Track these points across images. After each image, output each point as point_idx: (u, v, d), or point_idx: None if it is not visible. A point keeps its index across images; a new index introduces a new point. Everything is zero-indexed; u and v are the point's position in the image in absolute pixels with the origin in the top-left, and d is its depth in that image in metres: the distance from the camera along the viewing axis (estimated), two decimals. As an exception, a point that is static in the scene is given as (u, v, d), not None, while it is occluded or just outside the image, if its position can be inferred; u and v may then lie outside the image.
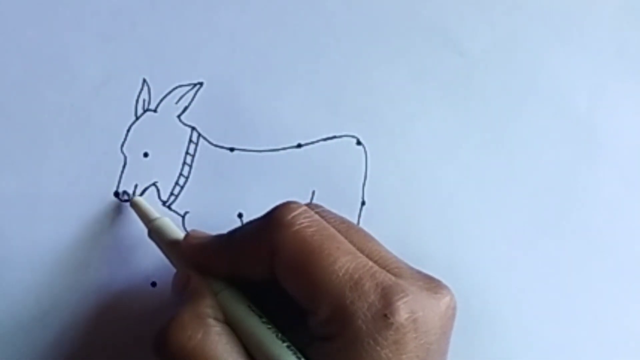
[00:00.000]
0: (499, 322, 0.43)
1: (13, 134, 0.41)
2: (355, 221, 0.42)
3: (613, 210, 0.44)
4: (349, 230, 0.36)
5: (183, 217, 0.41)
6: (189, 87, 0.42)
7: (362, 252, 0.34)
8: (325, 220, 0.35)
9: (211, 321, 0.34)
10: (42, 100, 0.41)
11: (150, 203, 0.41)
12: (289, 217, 0.34)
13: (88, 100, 0.41)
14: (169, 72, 0.41)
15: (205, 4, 0.42)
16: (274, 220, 0.34)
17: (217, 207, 0.41)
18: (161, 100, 0.41)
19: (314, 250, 0.33)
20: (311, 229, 0.34)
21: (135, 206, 0.40)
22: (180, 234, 0.38)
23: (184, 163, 0.41)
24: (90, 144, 0.41)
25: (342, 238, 0.34)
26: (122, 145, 0.41)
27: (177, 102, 0.41)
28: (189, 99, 0.42)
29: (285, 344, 0.33)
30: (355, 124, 0.42)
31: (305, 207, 0.35)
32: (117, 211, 0.41)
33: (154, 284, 0.41)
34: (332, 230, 0.34)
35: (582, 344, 0.43)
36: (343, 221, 0.36)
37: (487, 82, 0.43)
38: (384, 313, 0.32)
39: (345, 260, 0.33)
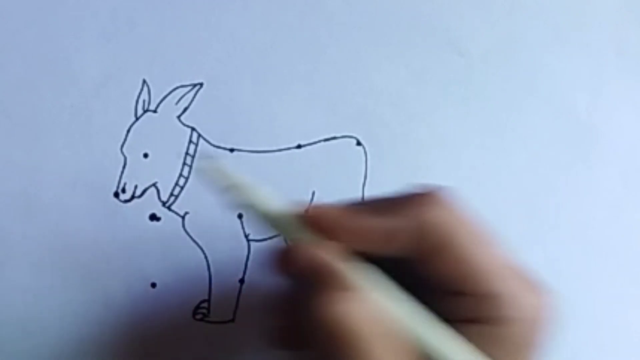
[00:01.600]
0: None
1: (13, 134, 0.41)
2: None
3: (612, 210, 0.44)
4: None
5: (183, 217, 0.41)
6: (188, 88, 0.42)
7: None
8: None
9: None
10: (42, 100, 0.41)
11: (150, 203, 0.41)
12: (448, 197, 0.33)
13: (88, 100, 0.41)
14: (169, 72, 0.41)
15: (205, 4, 0.42)
16: (433, 196, 0.33)
17: (217, 208, 0.41)
18: (161, 101, 0.41)
19: (476, 231, 0.33)
20: (469, 215, 0.33)
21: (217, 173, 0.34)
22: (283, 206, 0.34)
23: (184, 163, 0.41)
24: (90, 144, 0.41)
25: (485, 230, 0.34)
26: (122, 146, 0.41)
27: (177, 103, 0.42)
28: (189, 100, 0.42)
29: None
30: (355, 125, 0.42)
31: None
32: (117, 211, 0.41)
33: (153, 285, 0.41)
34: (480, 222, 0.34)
35: (582, 344, 0.43)
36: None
37: (487, 82, 0.43)
38: (538, 311, 0.33)
39: (500, 250, 0.33)
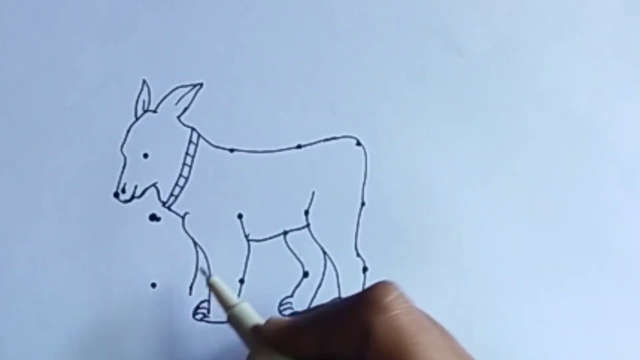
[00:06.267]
0: (499, 322, 0.43)
1: (13, 134, 0.41)
2: (355, 222, 0.42)
3: (612, 210, 0.44)
4: (433, 324, 0.35)
5: (183, 217, 0.41)
6: (188, 88, 0.42)
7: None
8: None
9: None
10: (42, 100, 0.41)
11: (150, 204, 0.41)
12: (386, 300, 0.34)
13: (88, 100, 0.41)
14: (169, 72, 0.41)
15: (205, 4, 0.42)
16: (371, 301, 0.34)
17: (217, 208, 0.41)
18: (161, 101, 0.41)
19: (409, 340, 0.33)
20: (408, 317, 0.33)
21: (213, 287, 0.39)
22: (260, 319, 0.38)
23: (184, 164, 0.41)
24: (90, 144, 0.41)
25: (434, 330, 0.34)
26: (122, 146, 0.41)
27: (177, 103, 0.42)
28: (189, 100, 0.42)
29: None
30: (355, 125, 0.42)
31: (401, 292, 0.34)
32: (117, 211, 0.41)
33: (153, 285, 0.41)
34: (426, 321, 0.34)
35: (582, 344, 0.43)
36: (423, 314, 0.36)
37: (487, 82, 0.43)
38: None
39: (437, 357, 0.33)
